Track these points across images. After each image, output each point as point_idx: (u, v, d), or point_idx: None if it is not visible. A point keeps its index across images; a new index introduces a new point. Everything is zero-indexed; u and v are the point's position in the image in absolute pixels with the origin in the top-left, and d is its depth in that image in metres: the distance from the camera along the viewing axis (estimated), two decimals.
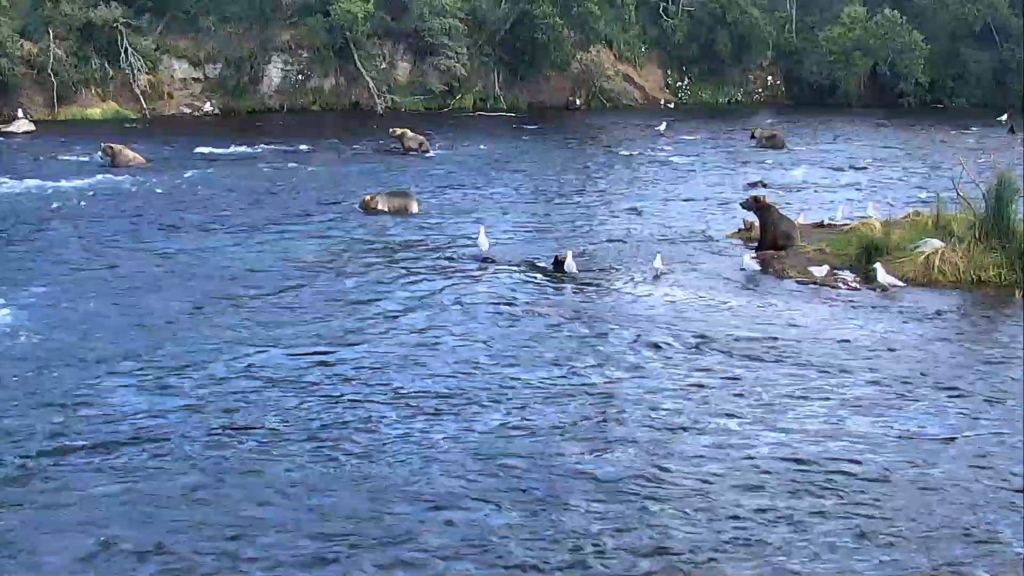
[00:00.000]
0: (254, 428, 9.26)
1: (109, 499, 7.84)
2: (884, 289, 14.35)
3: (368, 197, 20.41)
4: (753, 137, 33.94)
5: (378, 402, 9.94)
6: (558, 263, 15.44)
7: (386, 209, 20.11)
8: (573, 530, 7.47)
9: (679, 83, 51.89)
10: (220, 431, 9.15)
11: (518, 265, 15.93)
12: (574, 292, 14.47)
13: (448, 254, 16.69)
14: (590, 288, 14.65)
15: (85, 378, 10.37)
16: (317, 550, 7.15)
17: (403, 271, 15.49)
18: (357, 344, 11.75)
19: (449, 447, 8.89)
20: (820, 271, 15.05)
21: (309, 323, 12.53)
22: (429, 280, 14.94)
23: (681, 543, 7.28)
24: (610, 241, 18.03)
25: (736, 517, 7.67)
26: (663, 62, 51.68)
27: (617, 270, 15.72)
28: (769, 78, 53.94)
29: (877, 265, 14.71)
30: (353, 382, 10.49)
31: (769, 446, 9.02)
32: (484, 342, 11.91)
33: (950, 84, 53.23)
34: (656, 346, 11.81)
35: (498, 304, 13.56)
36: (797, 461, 8.69)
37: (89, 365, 10.78)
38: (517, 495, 8.02)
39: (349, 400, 9.99)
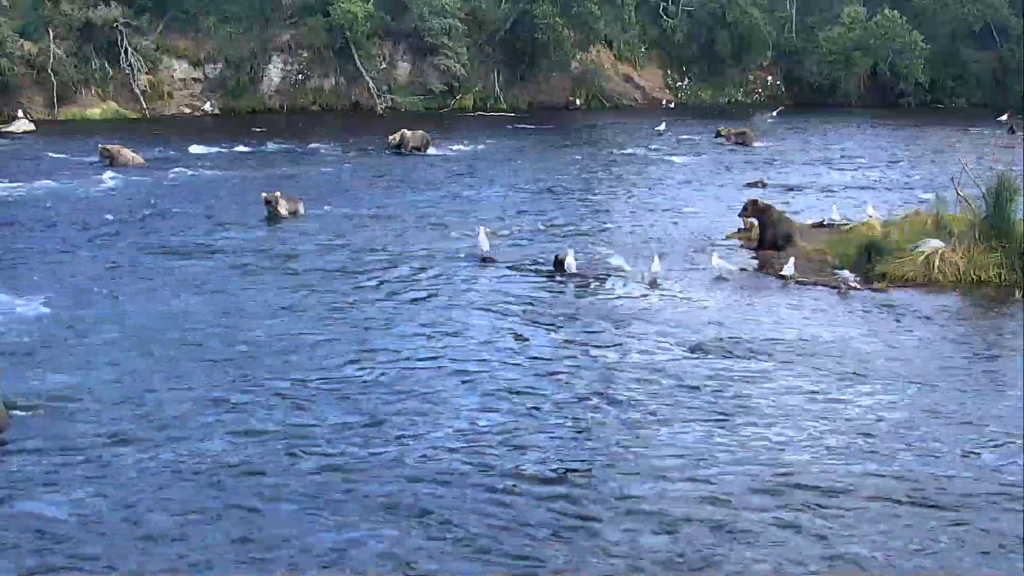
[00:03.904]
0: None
1: None
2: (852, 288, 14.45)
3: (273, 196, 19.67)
4: (719, 135, 33.89)
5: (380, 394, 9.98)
6: (558, 263, 15.42)
7: (285, 213, 19.44)
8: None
9: (679, 83, 51.93)
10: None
11: (518, 265, 15.93)
12: (574, 292, 14.47)
13: (448, 254, 16.67)
14: (590, 288, 14.65)
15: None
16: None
17: (403, 269, 15.48)
18: (359, 344, 11.78)
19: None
20: (788, 269, 15.09)
21: (315, 321, 12.58)
22: (430, 279, 14.93)
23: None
24: (610, 241, 18.01)
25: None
26: (663, 62, 51.70)
27: (616, 269, 15.69)
28: (769, 78, 53.92)
29: (841, 266, 14.82)
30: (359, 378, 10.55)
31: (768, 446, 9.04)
32: (482, 342, 11.92)
33: (950, 84, 53.24)
34: (656, 345, 11.82)
35: (498, 304, 13.56)
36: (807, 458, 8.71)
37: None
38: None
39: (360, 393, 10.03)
